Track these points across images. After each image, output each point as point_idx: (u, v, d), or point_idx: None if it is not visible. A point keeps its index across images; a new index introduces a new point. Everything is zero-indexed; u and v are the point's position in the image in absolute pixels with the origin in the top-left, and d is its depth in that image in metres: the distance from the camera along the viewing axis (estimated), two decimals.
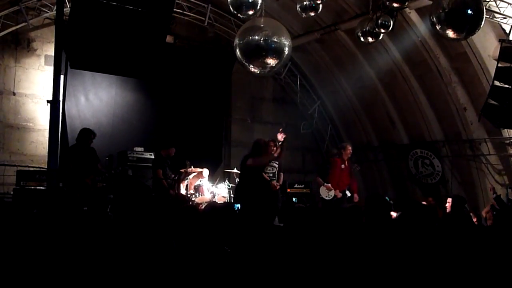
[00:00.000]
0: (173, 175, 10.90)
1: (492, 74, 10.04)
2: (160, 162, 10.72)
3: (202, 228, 4.14)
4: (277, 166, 9.45)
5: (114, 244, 3.78)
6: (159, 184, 10.53)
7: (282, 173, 9.61)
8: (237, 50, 7.38)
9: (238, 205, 9.49)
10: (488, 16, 9.30)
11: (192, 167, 11.26)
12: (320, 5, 9.14)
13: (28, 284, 3.26)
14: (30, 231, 4.06)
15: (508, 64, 9.76)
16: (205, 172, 11.47)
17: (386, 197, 10.09)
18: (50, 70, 11.10)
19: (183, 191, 11.11)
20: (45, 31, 12.03)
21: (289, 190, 12.66)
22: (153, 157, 11.36)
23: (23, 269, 3.38)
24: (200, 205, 10.36)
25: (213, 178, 12.06)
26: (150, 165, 11.15)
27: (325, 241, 3.98)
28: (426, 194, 12.43)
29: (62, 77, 10.43)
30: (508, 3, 9.84)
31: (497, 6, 9.86)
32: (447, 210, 8.80)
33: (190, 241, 3.85)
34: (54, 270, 3.40)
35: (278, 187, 9.37)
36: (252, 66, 7.45)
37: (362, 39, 10.02)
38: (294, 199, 9.98)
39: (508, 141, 11.37)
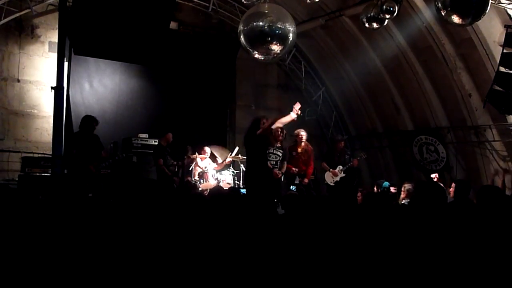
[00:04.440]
0: (175, 162, 10.97)
1: (498, 60, 9.97)
2: (160, 152, 10.81)
3: (209, 214, 4.16)
4: (281, 154, 9.44)
5: (119, 231, 3.80)
6: (162, 173, 10.61)
7: (286, 162, 9.61)
8: (242, 36, 7.36)
9: (244, 190, 9.55)
10: (493, 2, 9.20)
11: (196, 153, 11.33)
12: None
13: (33, 269, 3.28)
14: (35, 217, 4.08)
15: None
16: (207, 150, 11.56)
17: (386, 183, 10.16)
18: (54, 56, 11.09)
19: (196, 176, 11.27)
20: (49, 18, 11.99)
21: None
22: (157, 143, 11.41)
23: (28, 255, 3.40)
24: (205, 192, 10.43)
25: (226, 158, 12.05)
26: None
27: (323, 227, 3.99)
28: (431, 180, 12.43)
29: (66, 63, 10.47)
30: None
31: None
32: (451, 195, 8.78)
33: (196, 229, 3.87)
34: (59, 257, 3.42)
35: (280, 175, 9.35)
36: (256, 52, 7.43)
37: (367, 25, 9.97)
38: (292, 187, 10.03)
39: None
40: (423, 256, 3.35)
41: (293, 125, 9.85)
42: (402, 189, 8.96)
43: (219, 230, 3.82)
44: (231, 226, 3.94)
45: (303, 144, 10.36)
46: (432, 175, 10.85)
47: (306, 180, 10.27)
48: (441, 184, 9.58)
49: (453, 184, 8.98)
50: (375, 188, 10.58)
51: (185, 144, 11.48)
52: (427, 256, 3.34)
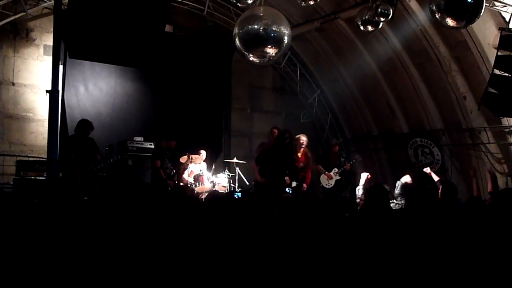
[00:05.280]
0: (171, 167, 10.96)
1: (492, 63, 10.00)
2: (159, 153, 10.79)
3: (203, 218, 4.15)
4: None
5: (114, 235, 3.79)
6: (157, 174, 10.59)
7: None
8: (237, 39, 7.37)
9: (239, 194, 9.54)
10: (487, 4, 9.25)
11: (192, 156, 11.31)
12: None
13: (28, 273, 3.27)
14: (30, 221, 4.07)
15: (508, 53, 9.72)
16: (203, 153, 11.55)
17: (385, 185, 10.15)
18: (49, 60, 11.03)
19: (188, 179, 11.21)
20: (44, 21, 11.98)
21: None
22: (153, 147, 11.39)
23: (23, 258, 3.39)
24: (201, 195, 10.43)
25: (213, 167, 12.08)
26: (150, 155, 11.19)
27: (315, 231, 3.99)
28: (425, 183, 12.44)
29: (61, 67, 10.41)
30: None
31: None
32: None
33: (190, 232, 3.86)
34: (55, 260, 3.41)
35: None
36: (251, 55, 7.44)
37: (361, 27, 9.99)
38: (287, 189, 10.07)
39: (507, 130, 11.34)
40: (412, 258, 3.36)
41: (290, 128, 9.94)
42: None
43: (213, 233, 3.82)
44: (225, 229, 3.93)
45: (302, 149, 10.35)
46: (425, 169, 10.79)
47: (304, 186, 10.22)
48: (437, 177, 9.66)
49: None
50: None
51: (181, 147, 11.45)
52: (415, 259, 3.35)
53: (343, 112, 15.18)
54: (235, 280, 3.30)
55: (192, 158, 11.25)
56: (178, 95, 13.19)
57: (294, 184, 10.18)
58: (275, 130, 10.17)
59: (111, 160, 10.23)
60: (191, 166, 11.42)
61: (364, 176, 11.20)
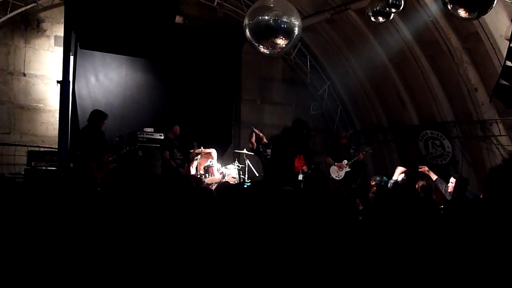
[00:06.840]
0: (181, 157, 10.98)
1: (504, 54, 9.90)
2: (167, 144, 10.82)
3: (215, 209, 4.16)
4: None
5: (126, 225, 3.81)
6: (168, 165, 10.61)
7: None
8: (247, 30, 7.35)
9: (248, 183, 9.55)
10: None
11: (201, 147, 11.32)
12: None
13: (39, 263, 3.30)
14: (41, 211, 4.10)
15: None
16: (214, 152, 11.56)
17: (384, 178, 9.87)
18: (60, 50, 11.12)
19: (193, 172, 11.20)
20: (55, 12, 12.02)
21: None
22: (163, 137, 11.43)
23: (35, 248, 3.42)
24: (210, 186, 10.45)
25: (223, 159, 12.11)
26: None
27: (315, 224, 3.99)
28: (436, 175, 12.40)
29: (72, 57, 10.48)
30: None
31: None
32: (449, 190, 8.70)
33: (201, 221, 3.88)
34: (65, 251, 3.43)
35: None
36: (261, 46, 7.41)
37: (372, 19, 9.94)
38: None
39: None
40: (422, 256, 3.35)
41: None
42: (416, 186, 8.65)
43: (224, 223, 3.83)
44: (237, 217, 3.94)
45: None
46: (421, 169, 10.14)
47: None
48: (435, 176, 9.51)
49: (451, 179, 8.93)
50: (372, 182, 10.25)
51: (191, 138, 11.47)
52: (426, 256, 3.33)
53: (353, 103, 15.13)
54: (246, 268, 3.31)
55: (201, 150, 11.27)
56: (188, 86, 13.19)
57: (301, 177, 10.21)
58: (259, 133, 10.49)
59: (123, 151, 10.27)
60: (199, 158, 11.45)
61: (398, 170, 10.24)
